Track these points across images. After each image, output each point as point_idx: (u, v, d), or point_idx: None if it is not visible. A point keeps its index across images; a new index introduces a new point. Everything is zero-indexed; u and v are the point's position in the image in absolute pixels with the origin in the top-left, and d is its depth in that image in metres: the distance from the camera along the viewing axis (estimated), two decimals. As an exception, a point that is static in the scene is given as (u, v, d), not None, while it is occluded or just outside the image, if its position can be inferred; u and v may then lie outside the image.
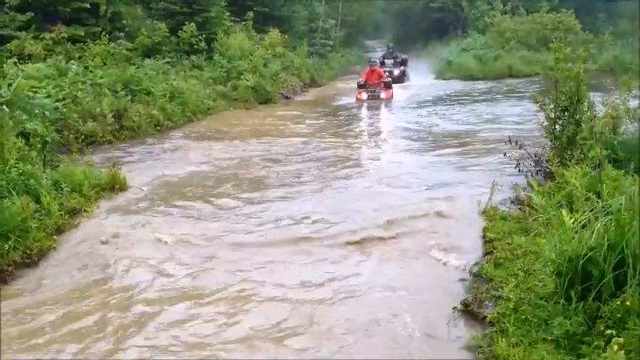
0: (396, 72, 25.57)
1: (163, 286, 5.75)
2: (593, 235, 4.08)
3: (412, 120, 16.00)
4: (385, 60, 27.21)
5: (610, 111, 7.87)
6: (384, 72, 22.23)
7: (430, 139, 13.22)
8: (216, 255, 6.48)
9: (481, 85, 24.68)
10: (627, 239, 3.94)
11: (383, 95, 20.00)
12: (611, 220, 4.15)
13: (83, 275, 6.08)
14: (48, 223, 6.99)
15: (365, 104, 19.49)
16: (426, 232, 6.92)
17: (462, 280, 5.59)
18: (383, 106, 19.31)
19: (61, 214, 7.27)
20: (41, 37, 15.40)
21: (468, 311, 4.89)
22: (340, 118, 17.13)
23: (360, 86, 20.44)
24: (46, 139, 8.88)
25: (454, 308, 4.97)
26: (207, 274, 6.01)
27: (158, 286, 5.77)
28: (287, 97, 21.72)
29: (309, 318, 5.06)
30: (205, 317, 5.12)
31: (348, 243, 6.72)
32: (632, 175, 5.60)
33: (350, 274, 5.95)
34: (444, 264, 6.04)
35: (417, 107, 18.72)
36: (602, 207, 4.46)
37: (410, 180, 9.40)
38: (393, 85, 21.26)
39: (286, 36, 26.37)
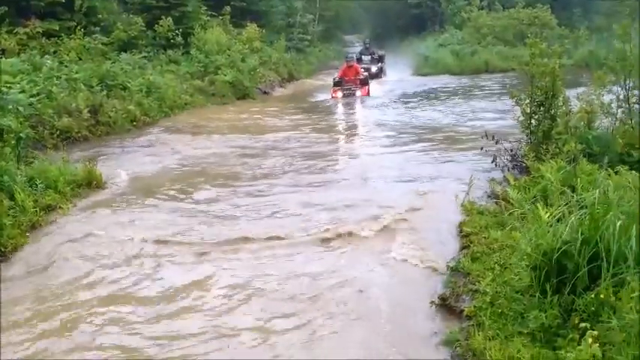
0: (374, 69, 25.42)
1: (134, 284, 5.70)
2: (568, 229, 4.11)
3: (388, 116, 16.04)
4: (362, 56, 26.80)
5: (585, 106, 7.96)
6: (361, 68, 21.79)
7: (406, 134, 13.21)
8: (192, 251, 6.42)
9: (458, 81, 24.73)
10: (601, 233, 3.98)
11: (359, 93, 19.49)
12: (585, 214, 4.20)
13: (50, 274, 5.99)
14: (22, 220, 6.90)
15: (341, 101, 18.97)
16: (401, 227, 6.92)
17: (439, 274, 5.60)
18: (359, 102, 18.86)
19: (36, 211, 7.18)
20: (15, 31, 15.20)
21: (446, 305, 4.92)
22: (316, 115, 16.70)
23: (335, 84, 19.89)
24: (20, 135, 8.77)
25: (432, 302, 4.99)
26: (180, 271, 5.96)
27: (127, 283, 5.71)
28: (265, 92, 21.65)
29: (282, 312, 5.06)
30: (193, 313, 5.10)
31: (323, 239, 6.70)
32: (606, 169, 5.68)
33: (323, 269, 5.92)
34: (420, 259, 6.05)
35: (394, 103, 18.75)
36: (577, 201, 4.50)
37: (386, 174, 9.44)
38: (371, 82, 20.99)
39: (264, 31, 26.26)
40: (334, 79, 20.30)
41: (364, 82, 20.06)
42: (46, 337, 4.73)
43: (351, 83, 19.80)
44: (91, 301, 5.33)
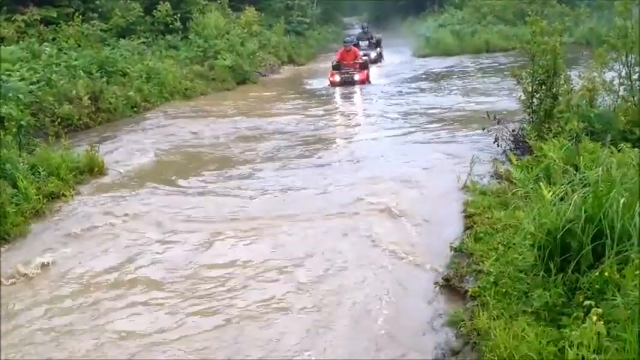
0: (373, 55, 24.13)
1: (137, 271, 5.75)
2: (571, 208, 4.11)
3: (388, 100, 15.80)
4: (360, 42, 25.10)
5: (586, 84, 7.93)
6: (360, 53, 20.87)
7: (408, 116, 13.18)
8: (204, 245, 6.30)
9: (459, 61, 24.44)
10: (605, 211, 3.97)
11: (357, 77, 18.53)
12: (588, 192, 4.19)
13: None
14: (25, 208, 6.91)
15: (339, 87, 18.16)
16: (405, 208, 6.93)
17: (443, 255, 5.60)
18: (358, 88, 17.99)
19: (39, 199, 7.19)
20: (13, 19, 15.11)
21: (450, 286, 4.93)
22: (314, 100, 16.30)
23: (333, 67, 18.98)
24: (21, 122, 8.76)
25: (435, 283, 5.00)
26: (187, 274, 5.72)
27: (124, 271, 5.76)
28: (264, 76, 21.57)
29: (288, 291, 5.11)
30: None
31: (327, 215, 6.82)
32: (609, 147, 5.66)
33: (327, 248, 5.99)
34: (425, 238, 6.07)
35: (394, 87, 18.27)
36: (580, 179, 4.50)
37: (388, 155, 9.53)
38: (370, 67, 20.25)
39: (262, 14, 26.15)
40: (332, 62, 19.51)
41: (363, 66, 19.20)
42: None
43: (349, 67, 18.94)
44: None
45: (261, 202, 7.51)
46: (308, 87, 19.20)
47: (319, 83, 19.52)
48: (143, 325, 4.71)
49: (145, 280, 5.52)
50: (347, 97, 17.23)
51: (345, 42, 20.68)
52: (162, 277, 5.53)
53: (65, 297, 5.20)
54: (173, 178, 8.73)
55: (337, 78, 18.47)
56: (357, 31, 31.60)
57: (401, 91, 17.26)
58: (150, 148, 10.52)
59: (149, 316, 4.84)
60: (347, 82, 18.31)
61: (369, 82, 18.72)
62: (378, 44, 25.94)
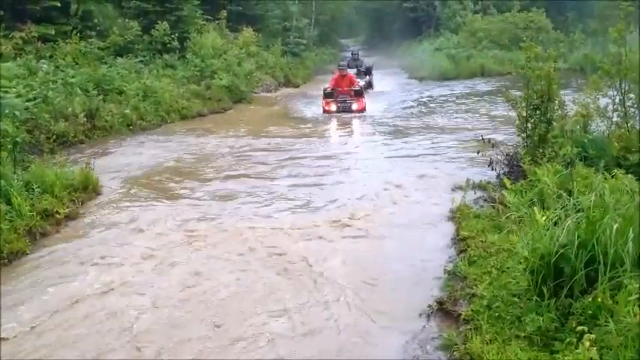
0: (361, 83, 20.42)
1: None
2: (565, 233, 4.13)
3: (381, 125, 15.33)
4: (348, 69, 21.19)
5: (580, 109, 7.99)
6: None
7: (404, 135, 13.27)
8: (202, 275, 6.06)
9: (454, 86, 24.41)
10: (598, 236, 4.00)
11: (355, 106, 16.86)
12: (582, 217, 4.21)
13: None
14: (19, 225, 6.88)
15: (334, 118, 16.41)
16: (396, 234, 6.95)
17: (436, 278, 5.60)
18: (356, 121, 16.13)
19: (33, 216, 7.15)
20: (10, 36, 15.15)
21: (443, 309, 4.92)
22: (306, 130, 14.75)
23: (327, 95, 17.20)
24: (17, 139, 8.74)
25: (429, 306, 5.00)
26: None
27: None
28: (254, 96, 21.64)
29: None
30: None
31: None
32: (602, 173, 5.70)
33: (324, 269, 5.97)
34: (419, 262, 6.07)
35: (387, 113, 17.53)
36: (574, 204, 4.52)
37: (383, 175, 9.56)
38: None
39: (260, 35, 26.33)
40: (325, 89, 17.62)
41: (359, 94, 17.37)
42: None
43: (345, 95, 17.10)
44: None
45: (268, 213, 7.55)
46: (297, 118, 17.14)
47: (310, 113, 17.76)
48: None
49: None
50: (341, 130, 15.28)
51: (339, 66, 18.92)
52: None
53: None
54: (167, 196, 8.75)
55: (333, 107, 16.84)
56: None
57: (394, 121, 16.16)
58: (145, 167, 10.52)
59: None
60: (343, 111, 16.76)
61: (366, 111, 17.12)
62: (368, 72, 23.38)
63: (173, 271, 6.05)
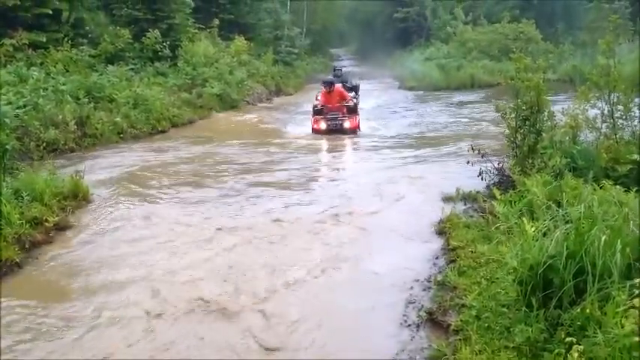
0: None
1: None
2: (553, 244, 4.15)
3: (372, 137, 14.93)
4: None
5: (569, 120, 8.04)
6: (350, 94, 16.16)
7: (395, 145, 13.32)
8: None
9: (445, 97, 24.37)
10: (586, 247, 4.02)
11: (347, 124, 14.93)
12: (570, 228, 4.24)
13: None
14: (8, 233, 6.83)
15: (325, 138, 14.53)
16: (385, 251, 6.88)
17: (426, 288, 5.61)
18: (349, 142, 14.34)
19: (22, 224, 7.10)
20: (1, 43, 15.12)
21: (433, 319, 4.93)
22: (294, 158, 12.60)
23: (316, 112, 15.27)
24: (6, 146, 8.70)
25: (419, 316, 5.01)
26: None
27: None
28: (250, 103, 21.67)
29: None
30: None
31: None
32: (591, 184, 5.73)
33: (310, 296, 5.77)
34: (408, 273, 6.07)
35: (382, 126, 16.75)
36: (562, 215, 4.55)
37: (374, 185, 9.56)
38: None
39: (252, 43, 26.37)
40: (314, 106, 15.55)
41: (352, 110, 15.42)
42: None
43: (336, 112, 15.15)
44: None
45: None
46: (281, 141, 14.78)
47: (299, 130, 15.92)
48: None
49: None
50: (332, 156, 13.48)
51: (324, 83, 16.20)
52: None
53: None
54: (158, 203, 8.74)
55: (322, 125, 14.96)
56: (345, 62, 31.82)
57: (383, 132, 15.88)
58: (136, 174, 10.50)
59: None
60: (335, 130, 14.87)
61: (360, 130, 15.41)
62: (353, 90, 17.94)
63: (166, 278, 6.04)
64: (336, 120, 14.94)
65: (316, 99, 15.99)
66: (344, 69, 21.49)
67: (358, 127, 15.32)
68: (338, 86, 15.85)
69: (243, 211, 8.34)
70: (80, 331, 4.98)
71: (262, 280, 5.96)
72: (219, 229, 7.52)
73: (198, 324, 5.09)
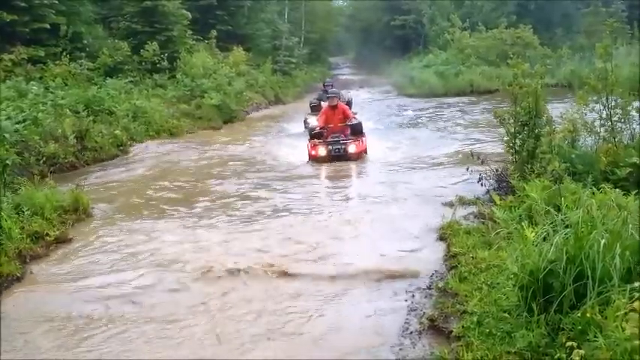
0: None
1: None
2: (553, 248, 4.15)
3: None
4: (321, 103, 16.20)
5: (568, 125, 8.05)
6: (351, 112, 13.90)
7: (395, 155, 13.33)
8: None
9: (445, 104, 24.24)
10: (586, 252, 4.02)
11: (352, 149, 12.39)
12: (570, 233, 4.23)
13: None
14: (9, 248, 6.83)
15: (324, 167, 12.04)
16: (387, 255, 6.89)
17: (428, 295, 5.60)
18: (354, 169, 12.10)
19: (23, 238, 7.10)
20: (0, 58, 15.17)
21: (435, 326, 4.92)
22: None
23: (313, 136, 12.84)
24: (6, 161, 8.71)
25: (421, 324, 5.00)
26: None
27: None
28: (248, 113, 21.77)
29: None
30: None
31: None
32: (590, 188, 5.74)
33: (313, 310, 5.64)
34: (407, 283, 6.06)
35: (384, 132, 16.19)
36: (562, 220, 4.54)
37: (375, 190, 9.63)
38: None
39: (250, 54, 26.43)
40: (311, 128, 13.47)
41: (357, 130, 13.00)
42: None
43: (338, 133, 12.71)
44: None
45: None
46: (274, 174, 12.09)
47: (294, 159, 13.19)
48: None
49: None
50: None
51: (318, 96, 15.17)
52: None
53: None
54: (158, 217, 8.73)
55: (322, 151, 12.35)
56: (344, 69, 31.78)
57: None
58: (135, 188, 10.51)
59: None
60: (337, 157, 12.30)
61: (366, 154, 12.91)
62: (347, 105, 14.84)
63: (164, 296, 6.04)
64: (339, 144, 12.36)
65: (310, 108, 15.29)
66: (340, 77, 21.56)
67: (365, 150, 12.85)
68: (339, 102, 13.61)
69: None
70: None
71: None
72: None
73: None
